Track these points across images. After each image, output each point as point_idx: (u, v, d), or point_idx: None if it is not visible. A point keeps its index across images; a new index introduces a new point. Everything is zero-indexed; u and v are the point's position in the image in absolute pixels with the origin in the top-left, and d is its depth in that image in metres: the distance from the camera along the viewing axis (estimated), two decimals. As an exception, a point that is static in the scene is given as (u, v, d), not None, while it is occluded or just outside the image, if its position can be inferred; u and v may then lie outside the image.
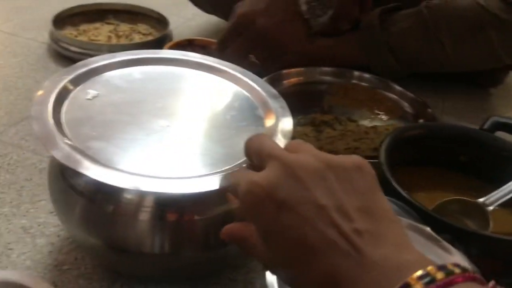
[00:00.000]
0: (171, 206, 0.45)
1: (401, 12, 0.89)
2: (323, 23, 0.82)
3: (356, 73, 0.90)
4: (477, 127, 0.69)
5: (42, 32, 1.03)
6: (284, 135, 0.48)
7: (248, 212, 0.34)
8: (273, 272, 0.36)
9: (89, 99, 0.50)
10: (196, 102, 0.53)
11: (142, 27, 1.04)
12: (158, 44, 0.93)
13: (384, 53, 0.88)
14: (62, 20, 1.00)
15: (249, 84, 0.55)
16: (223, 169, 0.43)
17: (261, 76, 0.58)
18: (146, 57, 0.57)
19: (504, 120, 0.70)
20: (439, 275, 0.26)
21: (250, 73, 0.57)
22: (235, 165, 0.44)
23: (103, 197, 0.45)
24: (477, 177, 0.64)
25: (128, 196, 0.44)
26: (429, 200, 0.57)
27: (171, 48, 0.86)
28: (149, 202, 0.44)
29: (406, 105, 0.86)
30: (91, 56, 0.55)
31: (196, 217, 0.45)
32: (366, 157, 0.69)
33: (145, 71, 0.55)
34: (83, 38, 0.96)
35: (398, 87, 0.87)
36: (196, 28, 1.15)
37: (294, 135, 0.49)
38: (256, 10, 0.79)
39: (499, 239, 0.50)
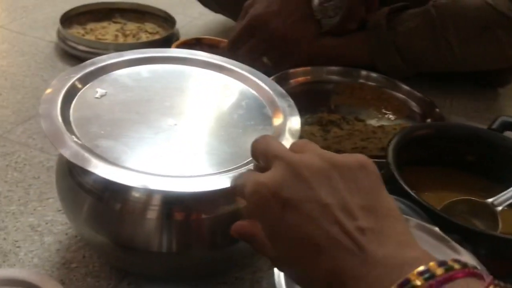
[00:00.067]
0: (179, 204, 0.45)
1: (408, 12, 0.89)
2: (334, 23, 0.82)
3: (364, 72, 0.89)
4: (485, 127, 0.68)
5: (50, 31, 1.03)
6: (292, 134, 0.48)
7: (254, 211, 0.34)
8: (280, 270, 0.36)
9: (97, 97, 0.50)
10: (203, 101, 0.53)
11: (149, 26, 1.04)
12: (165, 43, 0.93)
13: (390, 52, 0.88)
14: (70, 19, 1.00)
15: (256, 83, 0.55)
16: (230, 168, 0.43)
17: (268, 75, 0.58)
18: (154, 56, 0.57)
19: (512, 120, 0.69)
20: (439, 271, 0.27)
21: (258, 72, 0.57)
22: (242, 164, 0.44)
23: (111, 195, 0.45)
24: (486, 177, 0.64)
25: (136, 194, 0.44)
26: (437, 200, 0.57)
27: (179, 46, 0.86)
28: (156, 200, 0.44)
29: (413, 105, 0.85)
30: (98, 55, 0.55)
31: (203, 216, 0.45)
32: (374, 157, 0.70)
33: (153, 70, 0.56)
34: (90, 37, 0.97)
35: (405, 87, 0.87)
36: (203, 27, 1.15)
37: (301, 135, 0.49)
38: (270, 12, 0.79)
39: (508, 239, 0.50)
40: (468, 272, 0.27)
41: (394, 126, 0.78)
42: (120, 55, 0.56)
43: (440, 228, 0.45)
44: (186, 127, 0.48)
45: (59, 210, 0.59)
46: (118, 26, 1.03)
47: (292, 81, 0.87)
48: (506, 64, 0.88)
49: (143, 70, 0.55)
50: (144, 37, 0.99)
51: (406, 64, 0.88)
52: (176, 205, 0.45)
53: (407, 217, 0.46)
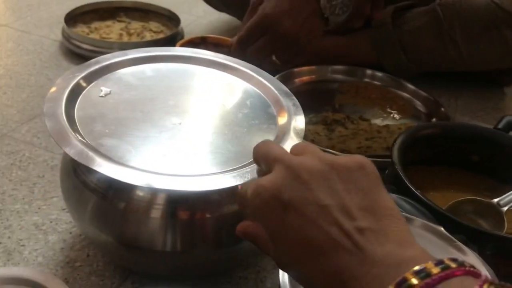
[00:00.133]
0: (183, 203, 0.45)
1: (414, 10, 0.88)
2: (341, 21, 0.82)
3: (369, 71, 0.89)
4: (491, 127, 0.68)
5: (54, 30, 1.03)
6: (297, 133, 0.48)
7: (256, 214, 0.35)
8: (283, 270, 0.37)
9: (101, 96, 0.50)
10: (208, 99, 0.53)
11: (153, 25, 1.04)
12: (169, 42, 0.93)
13: (396, 51, 0.87)
14: (74, 18, 1.00)
15: (261, 82, 0.55)
16: (235, 167, 0.43)
17: (273, 74, 0.58)
18: (158, 55, 0.57)
19: (518, 119, 0.69)
20: (435, 270, 0.27)
21: (262, 71, 0.57)
22: (246, 163, 0.44)
23: (115, 194, 0.45)
24: (491, 177, 0.63)
25: (140, 193, 0.44)
26: (442, 199, 0.57)
27: (184, 45, 0.86)
28: (161, 199, 0.44)
29: (419, 104, 0.85)
30: (103, 53, 0.55)
31: (207, 215, 0.45)
32: (379, 156, 0.70)
33: (157, 69, 0.55)
34: (94, 35, 0.97)
35: (411, 86, 0.87)
36: (207, 25, 1.15)
37: (306, 134, 0.49)
38: (280, 12, 0.78)
39: (514, 240, 0.50)
40: (464, 270, 0.27)
41: (399, 125, 0.78)
42: (125, 53, 0.55)
43: (445, 228, 0.44)
44: (190, 126, 0.48)
45: (64, 209, 0.59)
46: (122, 25, 1.03)
47: (296, 80, 0.87)
48: (512, 63, 0.87)
49: (148, 69, 0.55)
50: (148, 36, 0.99)
51: (412, 63, 0.88)
52: (181, 204, 0.45)
53: (412, 216, 0.46)
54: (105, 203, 0.45)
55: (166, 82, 0.54)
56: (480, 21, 0.83)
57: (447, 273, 0.27)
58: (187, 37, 0.94)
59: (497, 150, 0.63)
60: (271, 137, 0.48)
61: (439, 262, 0.28)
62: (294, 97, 0.53)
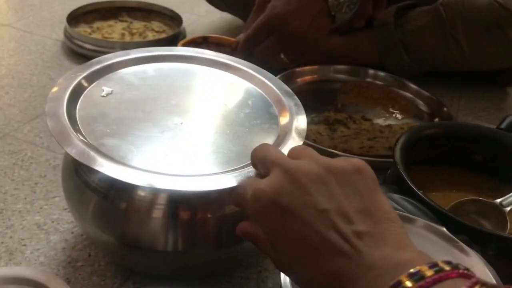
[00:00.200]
0: (184, 203, 0.45)
1: (417, 10, 0.88)
2: (345, 19, 0.81)
3: (371, 71, 0.89)
4: (493, 127, 0.68)
5: (57, 30, 1.03)
6: (299, 133, 0.48)
7: (255, 217, 0.35)
8: (281, 271, 0.37)
9: (103, 96, 0.50)
10: (210, 99, 0.53)
11: (156, 25, 1.04)
12: (171, 41, 0.93)
13: (398, 51, 0.87)
14: (76, 17, 1.00)
15: (263, 81, 0.55)
16: (236, 167, 0.43)
17: (274, 74, 0.58)
18: (160, 54, 0.57)
19: (521, 119, 0.69)
20: (429, 273, 0.28)
21: (264, 71, 0.57)
22: (248, 163, 0.43)
23: (117, 194, 0.45)
24: (494, 177, 0.63)
25: (141, 193, 0.44)
26: (444, 200, 0.57)
27: (186, 45, 0.86)
28: (162, 199, 0.44)
29: (421, 104, 0.85)
30: (105, 53, 0.55)
31: (209, 215, 0.45)
32: (381, 156, 0.69)
33: (159, 68, 0.55)
34: (97, 35, 0.97)
35: (413, 86, 0.86)
36: (209, 25, 1.15)
37: (308, 134, 0.49)
38: (289, 11, 0.77)
39: (517, 240, 0.50)
40: (458, 273, 0.28)
41: (402, 125, 0.78)
42: (126, 53, 0.55)
43: (448, 229, 0.44)
44: (192, 125, 0.48)
45: (65, 209, 0.59)
46: (124, 24, 1.03)
47: (298, 79, 0.87)
48: (515, 63, 0.87)
49: (149, 68, 0.55)
50: (150, 36, 0.99)
51: (414, 63, 0.88)
52: (182, 204, 0.45)
53: (414, 217, 0.45)
54: (107, 203, 0.45)
55: (168, 82, 0.54)
56: (483, 20, 0.83)
57: (440, 276, 0.27)
58: (189, 36, 0.94)
59: (500, 150, 0.63)
60: (273, 137, 0.48)
61: (433, 265, 0.28)
62: (296, 97, 0.53)
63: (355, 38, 0.90)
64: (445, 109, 0.81)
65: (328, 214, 0.32)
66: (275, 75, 0.58)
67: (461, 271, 0.28)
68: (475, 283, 0.27)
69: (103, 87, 0.51)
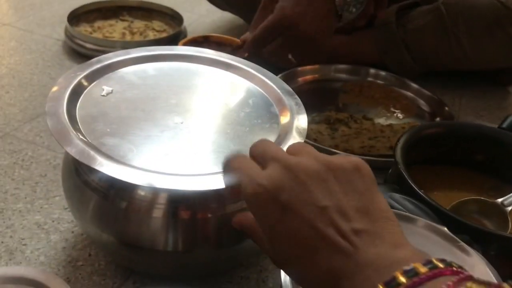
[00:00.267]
0: (184, 203, 0.44)
1: (418, 9, 0.88)
2: (351, 18, 0.81)
3: (372, 70, 0.89)
4: (495, 126, 0.68)
5: (57, 29, 1.03)
6: (300, 132, 0.48)
7: (253, 212, 0.35)
8: (277, 266, 0.37)
9: (103, 95, 0.50)
10: (210, 98, 0.53)
11: (156, 24, 1.04)
12: (172, 41, 0.93)
13: (400, 50, 0.87)
14: (77, 17, 1.00)
15: (263, 81, 0.55)
16: (237, 166, 0.43)
17: (275, 73, 0.58)
18: (161, 54, 0.57)
19: (523, 119, 0.68)
20: (423, 269, 0.28)
21: (265, 70, 0.56)
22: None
23: (117, 193, 0.45)
24: (495, 177, 0.63)
25: (141, 192, 0.44)
26: (445, 199, 0.57)
27: (187, 44, 0.86)
28: (162, 199, 0.44)
29: (422, 103, 0.85)
30: (106, 53, 0.55)
31: (209, 215, 0.45)
32: (382, 156, 0.69)
33: (159, 68, 0.55)
34: (97, 35, 0.97)
35: (414, 85, 0.86)
36: (210, 24, 1.15)
37: (309, 133, 0.48)
38: (298, 13, 0.77)
39: (518, 240, 0.49)
40: (452, 271, 0.28)
41: (403, 124, 0.77)
42: (127, 52, 0.55)
43: (449, 228, 0.44)
44: (192, 125, 0.48)
45: (66, 208, 0.58)
46: (125, 24, 1.03)
47: (299, 79, 0.87)
48: (516, 62, 0.87)
49: (150, 68, 0.55)
50: (151, 35, 0.99)
51: (416, 62, 0.87)
52: (182, 204, 0.44)
53: (415, 216, 0.45)
54: (107, 202, 0.45)
55: (168, 81, 0.54)
56: (484, 19, 0.82)
57: (434, 273, 0.28)
58: (190, 36, 0.94)
59: (501, 150, 0.63)
60: (274, 136, 0.48)
61: (427, 262, 0.28)
62: (296, 96, 0.53)
63: (356, 38, 0.90)
64: (446, 108, 0.81)
65: (328, 211, 0.32)
66: (276, 74, 0.58)
67: (455, 269, 0.28)
68: (464, 279, 0.27)
69: (103, 87, 0.51)
